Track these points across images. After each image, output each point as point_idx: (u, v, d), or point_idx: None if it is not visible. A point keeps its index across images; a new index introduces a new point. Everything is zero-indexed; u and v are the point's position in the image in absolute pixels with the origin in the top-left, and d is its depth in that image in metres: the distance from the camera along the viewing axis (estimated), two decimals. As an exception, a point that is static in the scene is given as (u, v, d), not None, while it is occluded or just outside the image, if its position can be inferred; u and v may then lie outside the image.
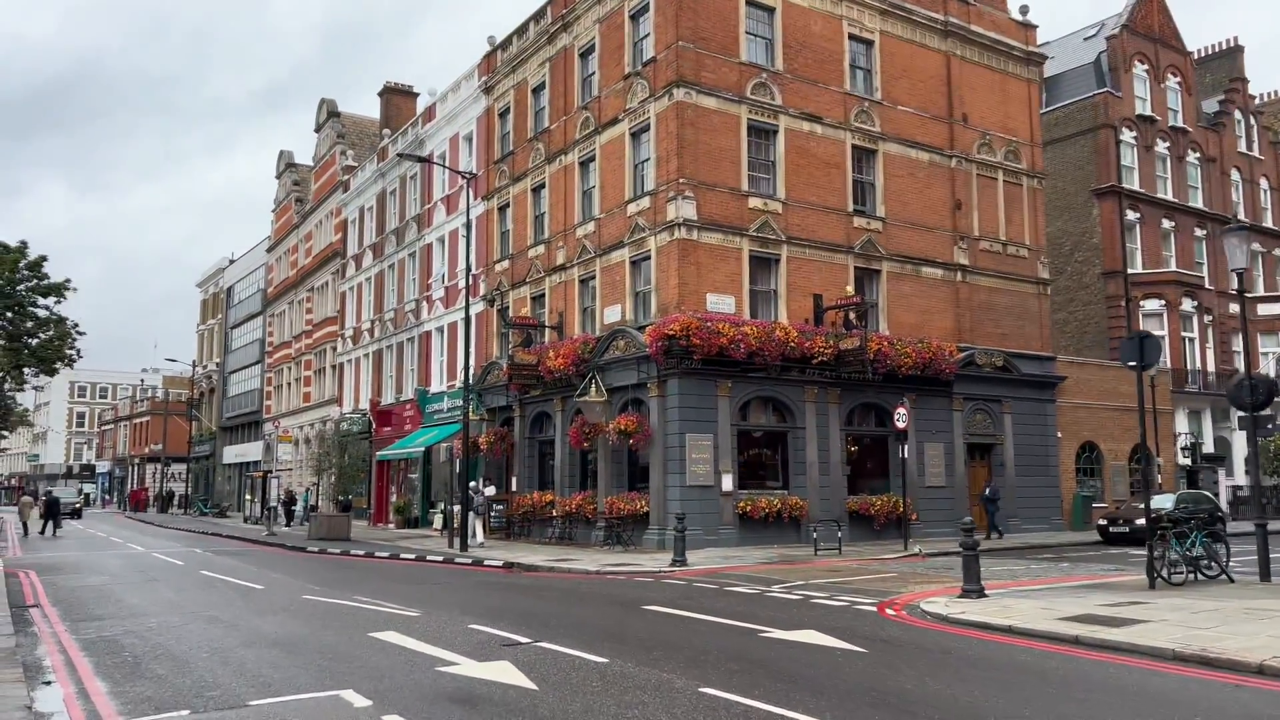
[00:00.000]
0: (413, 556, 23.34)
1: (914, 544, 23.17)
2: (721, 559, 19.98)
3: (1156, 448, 33.10)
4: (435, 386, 36.59)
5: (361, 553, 24.93)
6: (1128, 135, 39.84)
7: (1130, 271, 38.77)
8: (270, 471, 49.80)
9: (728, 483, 23.47)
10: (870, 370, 25.10)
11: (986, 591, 12.77)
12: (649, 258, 24.68)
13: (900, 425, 23.47)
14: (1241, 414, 39.80)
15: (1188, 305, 39.26)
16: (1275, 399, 15.28)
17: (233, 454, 62.06)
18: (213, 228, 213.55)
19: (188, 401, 70.84)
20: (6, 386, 29.31)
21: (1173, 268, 39.75)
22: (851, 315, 24.98)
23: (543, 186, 29.97)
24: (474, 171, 30.48)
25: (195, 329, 75.73)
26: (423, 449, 33.89)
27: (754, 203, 24.88)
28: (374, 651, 9.77)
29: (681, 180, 23.75)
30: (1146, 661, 8.87)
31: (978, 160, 29.64)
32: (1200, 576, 14.46)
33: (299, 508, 41.15)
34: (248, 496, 53.99)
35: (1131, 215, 39.36)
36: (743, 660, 9.01)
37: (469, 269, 27.16)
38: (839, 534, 22.23)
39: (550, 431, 28.94)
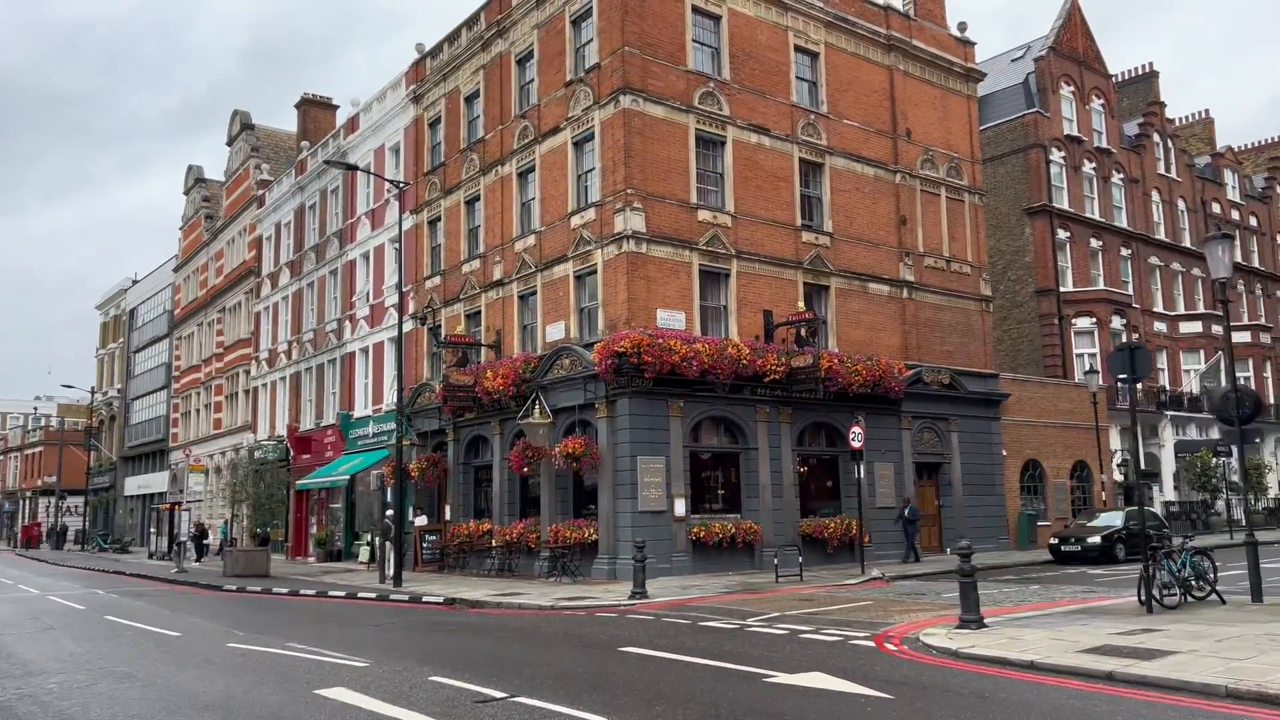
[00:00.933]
0: (343, 594, 21.69)
1: (871, 567, 22.48)
2: (680, 589, 18.93)
3: (1100, 464, 33.29)
4: (359, 411, 34.86)
5: (285, 590, 23.13)
6: (1056, 155, 40.49)
7: (1062, 289, 39.30)
8: (179, 503, 46.91)
9: (680, 507, 22.48)
10: (822, 389, 24.48)
11: (985, 621, 11.94)
12: (595, 272, 23.64)
13: (855, 444, 22.83)
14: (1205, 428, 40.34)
15: (1117, 323, 39.86)
16: (1258, 413, 14.96)
17: (135, 485, 58.57)
18: (123, 250, 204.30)
19: (86, 430, 66.79)
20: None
21: (1101, 286, 40.43)
22: (803, 331, 24.36)
23: (478, 199, 28.71)
24: (405, 181, 29.03)
25: (95, 354, 71.67)
26: (347, 477, 32.11)
27: (703, 215, 24.08)
28: (327, 715, 8.40)
29: (630, 191, 22.80)
30: (1200, 701, 8.08)
31: (921, 176, 29.46)
32: (1190, 598, 13.94)
33: (211, 542, 38.74)
34: (153, 530, 50.83)
35: (1062, 234, 39.93)
36: (763, 715, 7.93)
37: (400, 282, 25.70)
38: (799, 559, 21.38)
39: (488, 456, 27.59)
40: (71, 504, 69.20)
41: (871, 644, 11.52)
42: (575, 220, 24.39)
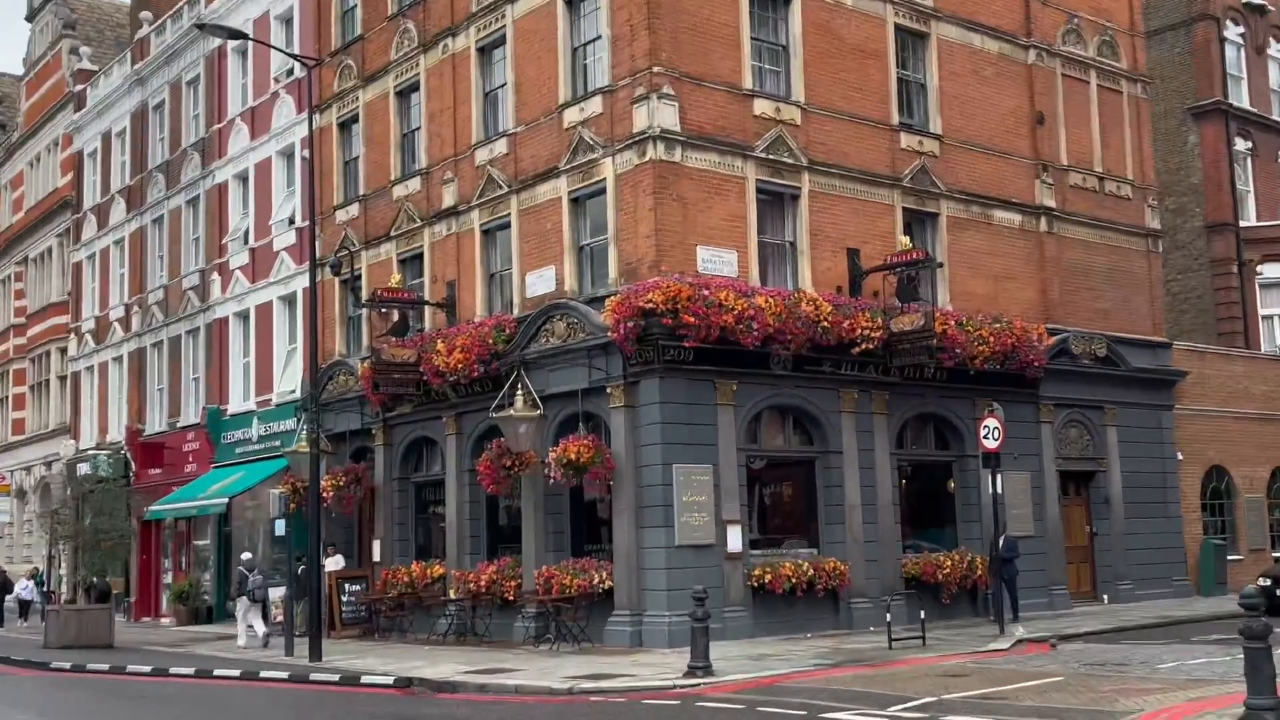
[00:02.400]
0: (236, 673, 20.58)
1: (1014, 626, 21.59)
2: (751, 660, 17.97)
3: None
4: (236, 405, 33.90)
5: (147, 669, 22.02)
6: (1233, 31, 39.65)
7: (1242, 224, 38.48)
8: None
9: (736, 539, 21.46)
10: (934, 364, 23.51)
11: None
12: (603, 191, 22.55)
13: (990, 445, 21.81)
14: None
15: (1323, 272, 39.22)
16: None
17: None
18: None
19: None
20: None
21: (1296, 217, 39.74)
22: (907, 279, 23.30)
23: (416, 88, 27.57)
24: (312, 58, 27.60)
25: None
26: (223, 501, 30.90)
27: (761, 106, 23.01)
28: None
29: (656, 70, 21.58)
30: None
31: (1063, 54, 28.62)
32: None
33: (29, 596, 37.41)
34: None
35: (1242, 144, 39.13)
36: None
37: (313, 207, 24.38)
38: (921, 615, 20.39)
39: (436, 467, 26.63)
40: None
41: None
42: (570, 115, 23.22)
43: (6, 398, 47.85)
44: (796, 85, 23.64)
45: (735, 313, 20.85)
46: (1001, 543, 22.73)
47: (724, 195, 22.32)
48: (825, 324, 22.12)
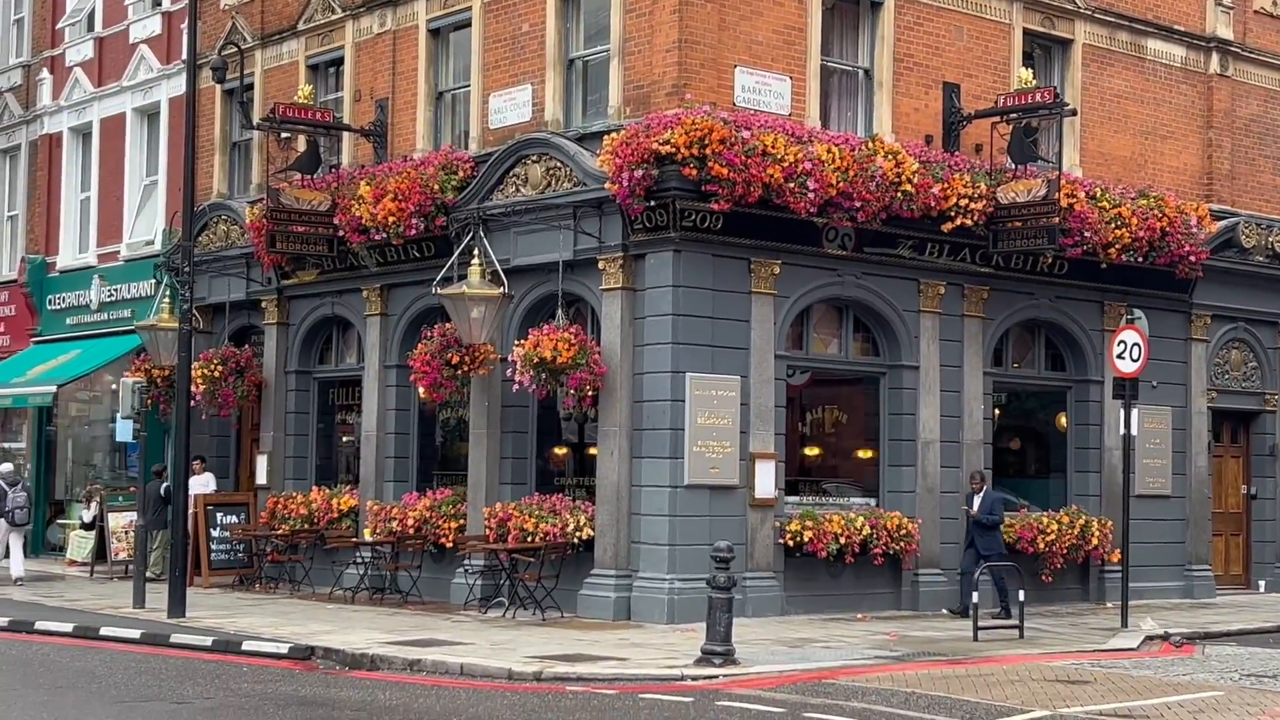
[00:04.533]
0: (68, 629, 20.59)
1: (1139, 616, 21.75)
2: (785, 648, 18.10)
3: None
4: (68, 258, 33.91)
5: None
6: None
7: None
8: None
9: (766, 481, 21.53)
10: (1055, 249, 23.36)
11: None
12: (604, -20, 22.23)
13: (1126, 369, 21.73)
14: None
15: None
16: None
17: None
18: None
19: None
20: None
21: None
22: (1035, 131, 23.12)
23: None
24: None
25: None
26: (50, 389, 30.74)
27: None
28: None
29: None
30: None
31: None
32: None
33: None
34: None
35: None
36: None
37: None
38: (1020, 596, 20.44)
39: (351, 359, 26.88)
40: None
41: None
42: None
43: None
44: None
45: (786, 165, 20.68)
46: (979, 500, 22.52)
47: (774, -2, 22.07)
48: (908, 188, 21.98)
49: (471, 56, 24.30)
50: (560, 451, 23.46)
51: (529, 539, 21.73)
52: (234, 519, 27.41)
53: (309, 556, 25.83)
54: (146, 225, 30.98)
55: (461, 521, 23.32)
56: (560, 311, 22.04)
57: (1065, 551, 24.27)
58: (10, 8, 36.26)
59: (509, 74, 23.62)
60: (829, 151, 21.23)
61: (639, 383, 21.18)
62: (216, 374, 27.01)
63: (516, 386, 21.89)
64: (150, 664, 17.73)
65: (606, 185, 20.87)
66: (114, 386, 29.88)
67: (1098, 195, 24.06)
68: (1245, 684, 16.10)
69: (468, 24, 24.33)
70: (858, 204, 21.51)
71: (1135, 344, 21.65)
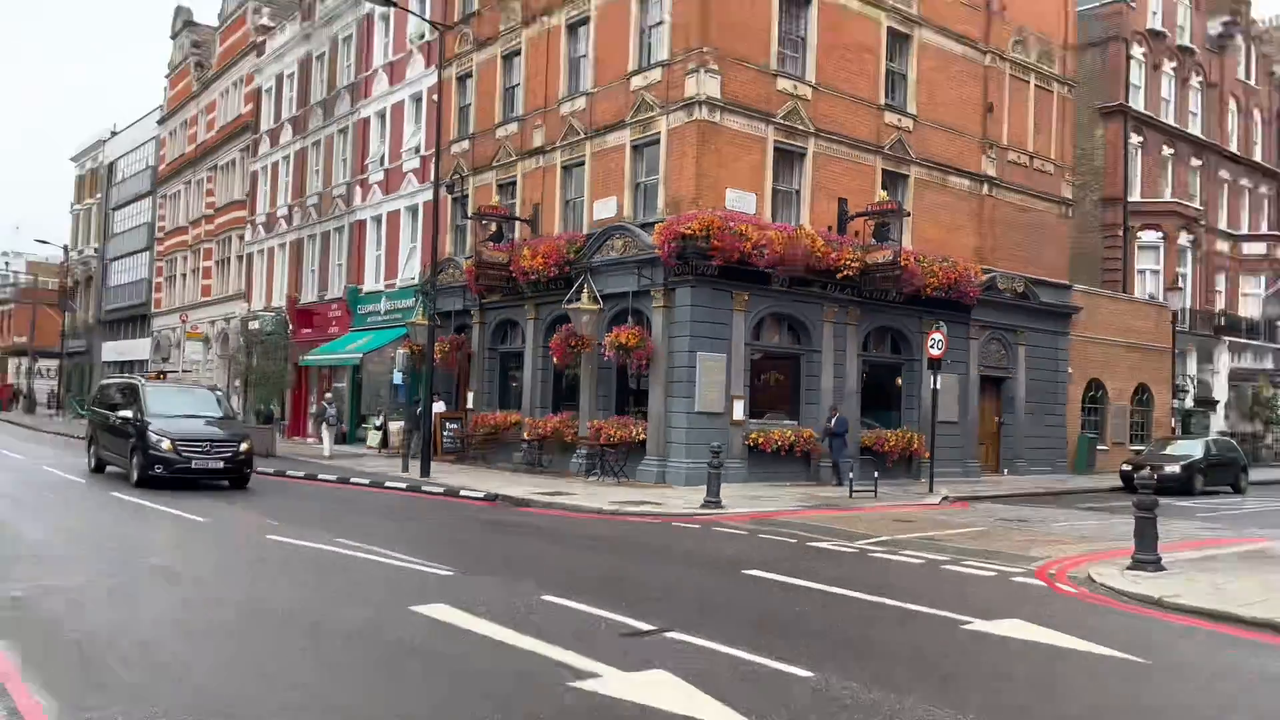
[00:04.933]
0: (367, 482, 20.42)
1: (939, 487, 21.34)
2: (748, 499, 17.73)
3: (1172, 389, 32.23)
4: (369, 285, 33.17)
5: (301, 474, 21.85)
6: (1138, 51, 38.01)
7: (1129, 199, 37.38)
8: (164, 372, 45.45)
9: (739, 410, 21.14)
10: (896, 290, 22.89)
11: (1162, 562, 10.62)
12: (657, 142, 21.69)
13: (935, 352, 21.34)
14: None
15: (1184, 239, 38.18)
16: None
17: (113, 351, 56.81)
18: (127, 105, 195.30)
19: (60, 290, 64.69)
20: None
21: (1169, 197, 38.57)
22: (882, 224, 22.57)
23: (517, 54, 26.41)
24: (443, 23, 26.56)
25: (70, 209, 68.91)
26: (358, 356, 30.59)
27: (783, 84, 22.04)
28: (442, 642, 7.00)
29: (705, 50, 20.68)
30: None
31: (1012, 59, 27.30)
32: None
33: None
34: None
35: (1135, 139, 37.79)
36: (1007, 678, 6.59)
37: (439, 139, 23.58)
38: (875, 475, 20.14)
39: (518, 342, 26.09)
40: (43, 366, 67.61)
41: (1039, 583, 10.23)
42: (636, 81, 22.28)
43: (198, 269, 47.23)
44: (810, 69, 22.67)
45: (752, 241, 20.33)
46: (834, 420, 21.44)
47: (749, 150, 21.55)
48: (818, 254, 21.55)
49: (584, 181, 23.86)
50: (627, 393, 23.19)
51: (611, 439, 21.52)
52: (455, 426, 27.18)
53: (493, 447, 25.66)
54: (410, 269, 30.76)
55: (575, 429, 23.00)
56: (629, 318, 21.80)
57: (899, 452, 23.84)
58: (339, 151, 35.63)
59: (603, 190, 23.24)
60: (776, 234, 20.82)
61: (671, 357, 20.84)
62: (447, 349, 26.80)
63: (606, 358, 21.68)
64: (411, 501, 17.69)
65: (656, 251, 20.58)
66: (392, 355, 29.87)
67: (921, 259, 23.43)
68: (998, 524, 15.72)
69: (583, 164, 23.89)
70: (791, 263, 21.12)
71: (940, 340, 21.26)
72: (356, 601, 8.41)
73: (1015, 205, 27.44)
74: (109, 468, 19.77)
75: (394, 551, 10.99)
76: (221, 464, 17.45)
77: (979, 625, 7.96)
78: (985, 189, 26.54)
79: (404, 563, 10.35)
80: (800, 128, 22.30)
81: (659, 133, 21.59)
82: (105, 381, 23.00)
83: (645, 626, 7.57)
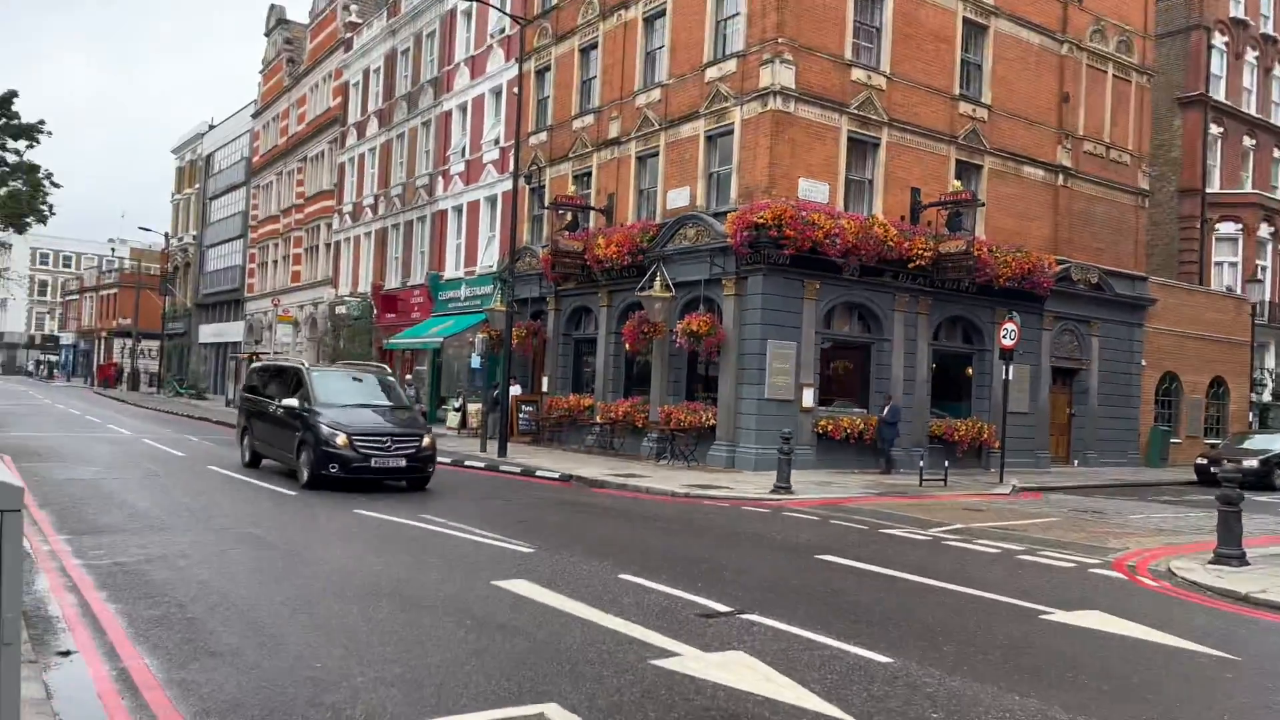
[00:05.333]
0: (448, 460, 20.51)
1: (1010, 477, 20.77)
2: (817, 486, 17.45)
3: (1250, 383, 30.97)
4: (450, 272, 33.47)
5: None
6: (1219, 40, 36.45)
7: (1207, 190, 35.93)
8: (256, 354, 46.65)
9: (809, 398, 20.82)
10: (969, 280, 22.32)
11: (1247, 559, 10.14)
12: (731, 132, 21.43)
13: (1007, 343, 20.72)
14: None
15: (1264, 231, 36.56)
16: None
17: (209, 333, 58.54)
18: (224, 101, 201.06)
19: (160, 275, 66.77)
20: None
21: (1250, 189, 36.96)
22: (960, 214, 22.04)
23: (595, 46, 26.34)
24: (523, 17, 26.59)
25: (170, 198, 71.05)
26: (439, 340, 30.91)
27: (857, 75, 21.59)
28: (525, 617, 6.98)
29: (780, 40, 20.34)
30: None
31: (1089, 48, 26.36)
32: None
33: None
34: (229, 381, 50.96)
35: (1215, 129, 36.27)
36: (1090, 673, 6.33)
37: (518, 131, 23.65)
38: (945, 464, 19.71)
39: (591, 329, 26.08)
40: (146, 347, 69.92)
41: (1119, 576, 9.85)
42: (711, 73, 22.03)
43: (289, 255, 48.30)
44: (884, 59, 22.18)
45: (824, 230, 19.97)
46: (886, 409, 21.18)
47: (822, 140, 21.17)
48: (890, 243, 21.12)
49: (658, 171, 23.71)
50: (697, 379, 23.01)
51: (681, 424, 21.40)
52: (530, 408, 27.34)
53: (567, 429, 25.74)
54: (489, 257, 30.96)
55: (646, 413, 22.91)
56: (701, 306, 21.61)
57: (969, 442, 23.27)
58: (422, 143, 36.03)
59: (678, 180, 23.08)
60: (849, 223, 20.45)
61: (742, 344, 20.61)
62: (524, 334, 26.90)
63: (678, 345, 21.53)
64: (489, 480, 17.77)
65: (728, 239, 20.37)
66: (471, 340, 30.16)
67: (994, 250, 22.89)
68: (1072, 516, 15.25)
69: (657, 154, 23.75)
70: (863, 252, 20.72)
71: (1013, 330, 20.62)
72: (442, 575, 8.45)
73: (1090, 196, 26.54)
74: (265, 461, 17.27)
75: (475, 528, 11.06)
76: (404, 461, 14.45)
77: (1059, 616, 7.68)
78: (1060, 179, 25.71)
79: (485, 539, 10.39)
80: (874, 118, 21.83)
81: (733, 123, 21.32)
82: (260, 364, 19.85)
83: (722, 608, 7.46)
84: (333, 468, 14.14)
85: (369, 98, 40.67)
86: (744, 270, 20.59)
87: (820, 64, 20.98)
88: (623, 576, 8.50)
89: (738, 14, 21.51)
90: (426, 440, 14.88)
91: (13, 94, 24.08)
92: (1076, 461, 26.50)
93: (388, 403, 16.04)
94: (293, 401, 15.22)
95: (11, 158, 24.76)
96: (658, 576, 8.50)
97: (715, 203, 22.01)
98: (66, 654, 5.82)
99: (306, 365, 16.94)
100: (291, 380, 16.05)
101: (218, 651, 5.92)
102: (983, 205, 23.04)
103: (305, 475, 14.53)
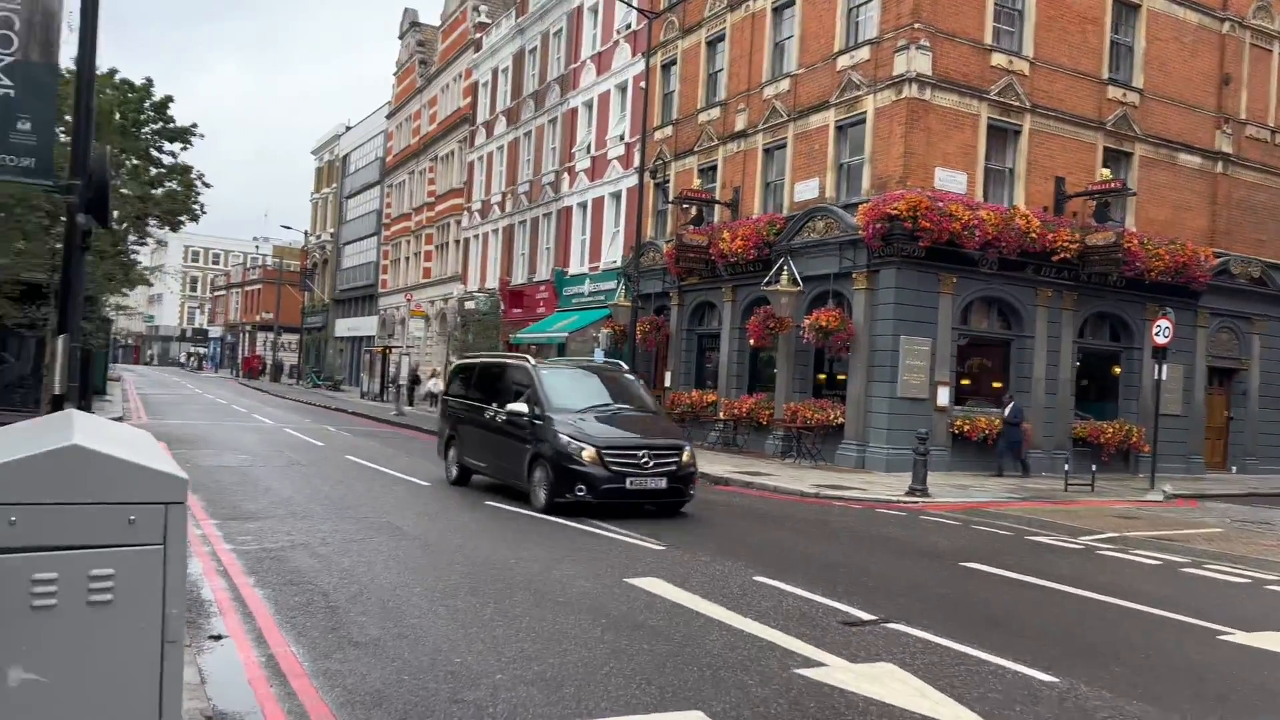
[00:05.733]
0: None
1: (1161, 482, 19.47)
2: (956, 489, 16.73)
3: None
4: (574, 268, 33.68)
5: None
6: (1402, 12, 33.39)
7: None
8: (389, 348, 48.17)
9: (944, 396, 20.02)
10: (1118, 274, 21.06)
11: None
12: (863, 121, 20.80)
13: (1161, 340, 19.42)
14: None
15: None
16: None
17: (345, 327, 60.83)
18: (360, 103, 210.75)
19: (300, 271, 69.80)
20: (130, 240, 27.14)
21: None
22: (1108, 204, 20.83)
23: (721, 39, 26.03)
24: (652, 11, 26.51)
25: (309, 198, 74.22)
26: (564, 335, 31.11)
27: (997, 59, 20.63)
28: (661, 618, 6.79)
29: (916, 25, 19.60)
30: None
31: (1253, 26, 24.54)
32: None
33: (436, 389, 38.72)
34: (363, 374, 52.83)
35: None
36: None
37: (646, 126, 23.58)
38: (1092, 468, 18.63)
39: (715, 324, 25.80)
40: (286, 340, 73.27)
41: (1302, 594, 9.00)
42: (842, 61, 21.43)
43: (420, 252, 49.67)
44: (1027, 43, 21.13)
45: (963, 221, 19.14)
46: (1008, 409, 19.90)
47: (960, 128, 20.31)
48: (1033, 235, 20.11)
49: (786, 163, 23.25)
50: (823, 376, 22.41)
51: (808, 421, 20.93)
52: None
53: (690, 425, 25.45)
54: (613, 252, 31.05)
55: (771, 410, 22.53)
56: (830, 301, 21.10)
57: (1115, 445, 22.01)
58: (549, 140, 36.44)
59: (805, 171, 22.57)
60: (988, 214, 19.57)
61: (873, 340, 19.99)
62: (647, 329, 26.82)
63: (805, 340, 21.04)
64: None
65: (859, 232, 19.77)
66: (594, 335, 30.28)
67: (1145, 242, 21.49)
68: (1236, 526, 14.16)
69: (785, 146, 23.29)
70: (1004, 244, 19.80)
71: (1167, 327, 19.35)
72: (574, 570, 8.36)
73: (1253, 184, 24.72)
74: (475, 478, 14.47)
75: (603, 523, 10.96)
76: (664, 482, 11.74)
77: (1241, 637, 7.02)
78: (1219, 167, 24.02)
79: (615, 534, 10.28)
80: (1015, 104, 20.83)
81: (865, 112, 20.69)
82: (467, 360, 16.32)
83: (865, 616, 7.10)
84: (579, 490, 11.43)
85: (497, 97, 41.36)
86: (876, 263, 19.96)
87: (958, 49, 20.13)
88: (757, 578, 8.23)
89: (871, 0, 20.84)
90: (687, 455, 12.09)
91: (169, 99, 25.33)
92: (1234, 468, 24.75)
93: (631, 408, 13.06)
94: (519, 407, 12.51)
95: (168, 159, 26.00)
96: (794, 579, 8.20)
97: (845, 194, 21.41)
98: (218, 638, 5.95)
99: (533, 362, 13.75)
100: (514, 380, 13.28)
101: (360, 642, 5.94)
102: (1133, 194, 21.73)
103: (541, 497, 11.86)
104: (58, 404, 7.47)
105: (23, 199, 13.81)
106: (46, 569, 2.59)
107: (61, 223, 14.01)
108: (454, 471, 14.55)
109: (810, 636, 6.41)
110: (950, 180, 20.03)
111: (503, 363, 14.34)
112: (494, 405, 13.31)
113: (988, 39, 20.55)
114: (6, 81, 7.72)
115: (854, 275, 20.43)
